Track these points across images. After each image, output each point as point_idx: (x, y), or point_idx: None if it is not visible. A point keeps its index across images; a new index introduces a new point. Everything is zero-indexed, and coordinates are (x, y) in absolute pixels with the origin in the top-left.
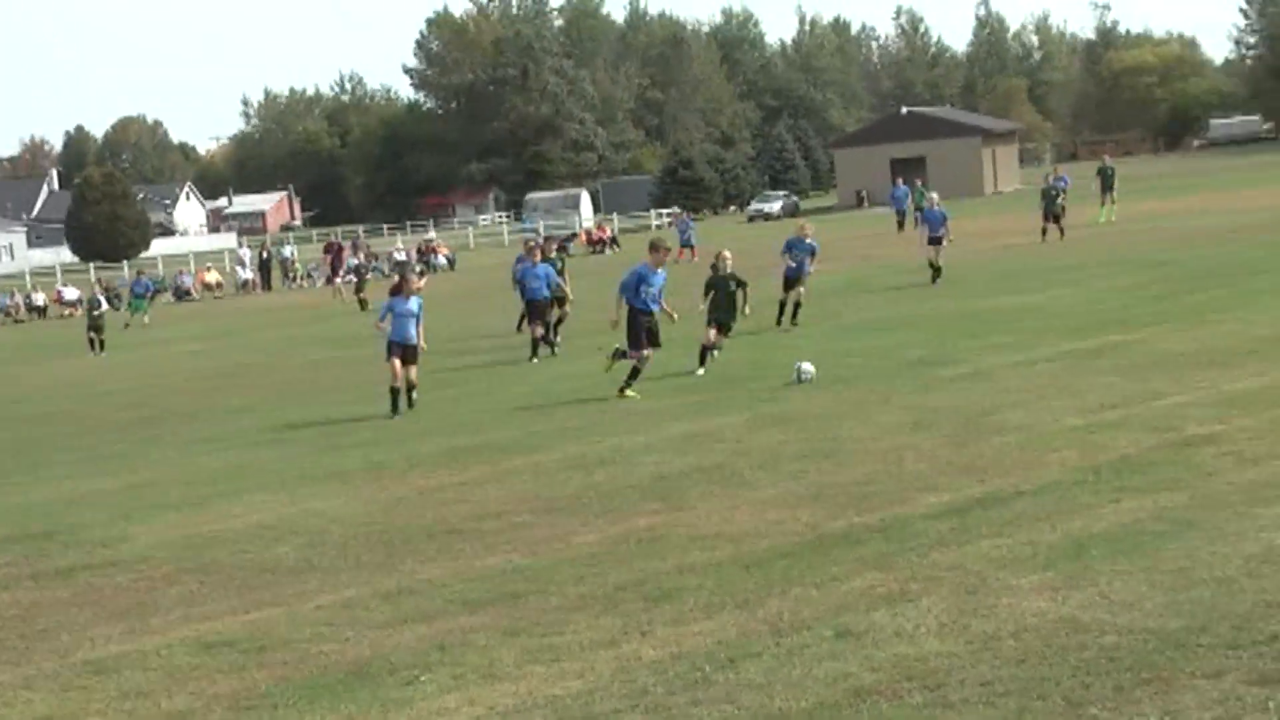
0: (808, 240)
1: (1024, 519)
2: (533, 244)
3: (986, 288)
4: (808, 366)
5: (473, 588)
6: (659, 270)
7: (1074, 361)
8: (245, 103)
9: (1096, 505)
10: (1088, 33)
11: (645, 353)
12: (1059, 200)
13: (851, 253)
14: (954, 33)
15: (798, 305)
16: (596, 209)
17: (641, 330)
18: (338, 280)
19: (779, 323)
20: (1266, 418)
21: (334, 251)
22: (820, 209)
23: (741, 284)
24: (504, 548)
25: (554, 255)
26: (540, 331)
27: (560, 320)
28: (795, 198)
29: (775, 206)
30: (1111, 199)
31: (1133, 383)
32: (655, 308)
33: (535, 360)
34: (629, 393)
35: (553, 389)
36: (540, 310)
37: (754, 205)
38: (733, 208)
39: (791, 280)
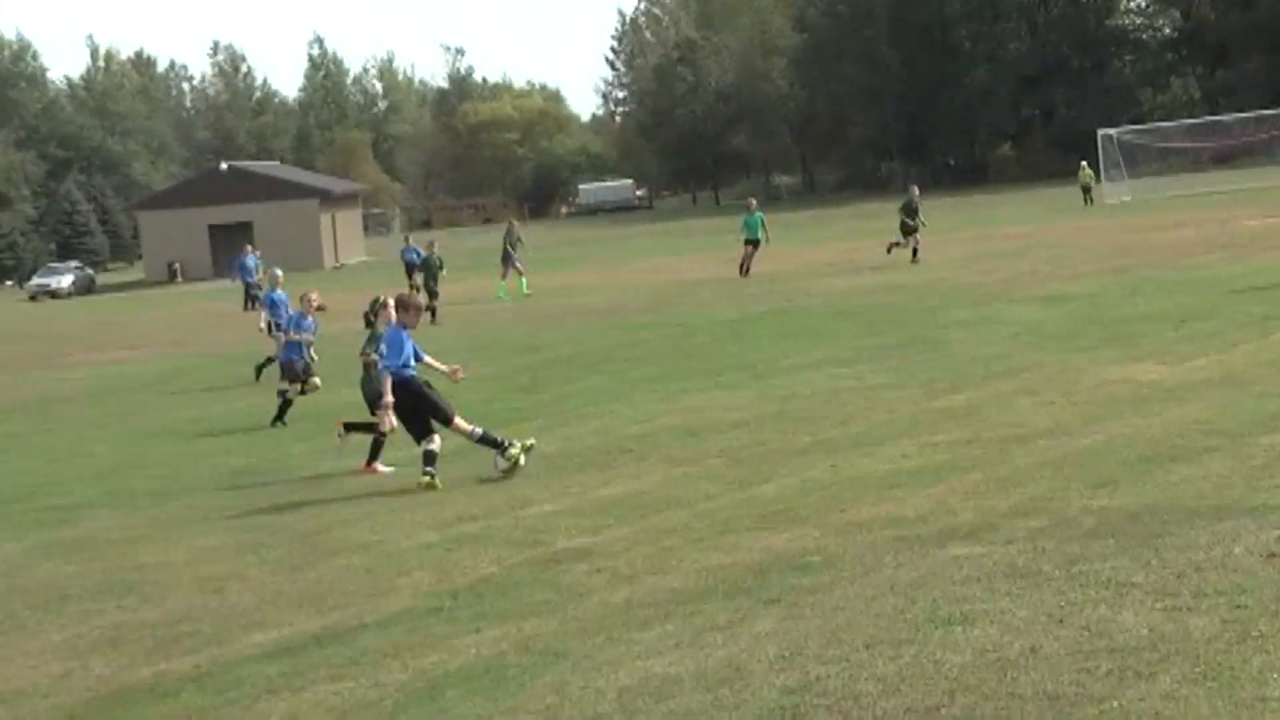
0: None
1: (369, 656)
2: None
3: (331, 381)
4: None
5: None
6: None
7: None
8: None
9: (454, 636)
10: (440, 81)
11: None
12: (440, 274)
13: (160, 338)
14: (284, 75)
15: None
16: None
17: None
18: None
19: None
20: (640, 527)
21: None
22: (126, 284)
23: None
24: None
25: None
26: None
27: None
28: (91, 270)
29: (65, 281)
30: (518, 269)
31: (496, 490)
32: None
33: None
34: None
35: None
36: None
37: (37, 280)
38: (10, 282)
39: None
